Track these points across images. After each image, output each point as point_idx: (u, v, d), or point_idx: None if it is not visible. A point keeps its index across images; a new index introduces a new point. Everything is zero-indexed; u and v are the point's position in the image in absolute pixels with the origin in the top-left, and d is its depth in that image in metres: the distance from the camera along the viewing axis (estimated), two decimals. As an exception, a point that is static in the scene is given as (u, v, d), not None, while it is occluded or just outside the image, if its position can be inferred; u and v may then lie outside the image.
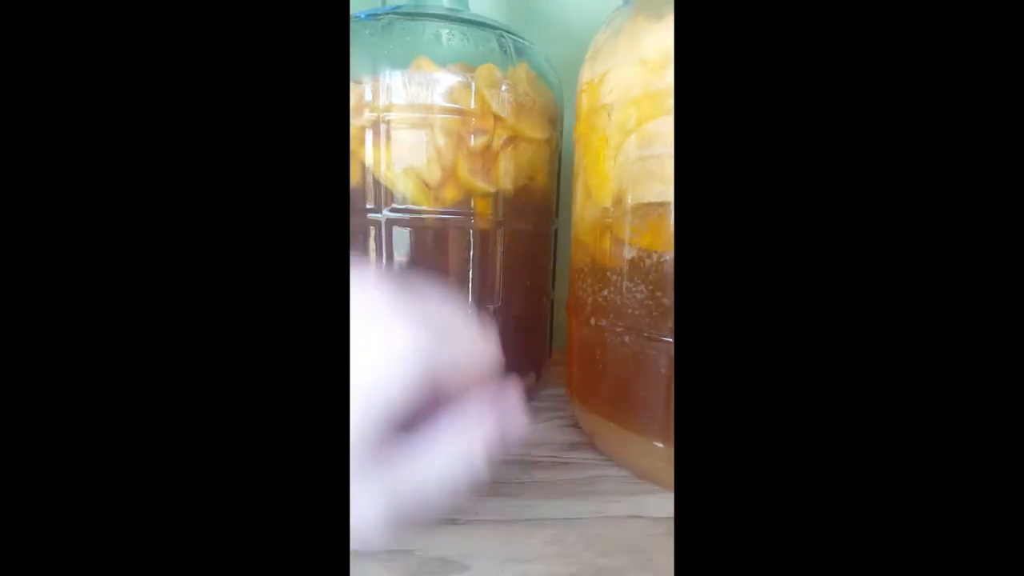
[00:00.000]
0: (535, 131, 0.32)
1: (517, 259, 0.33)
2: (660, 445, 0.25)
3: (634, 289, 0.25)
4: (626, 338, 0.26)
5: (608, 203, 0.26)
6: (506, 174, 0.31)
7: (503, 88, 0.30)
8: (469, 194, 0.30)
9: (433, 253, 0.31)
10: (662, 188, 0.23)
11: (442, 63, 0.29)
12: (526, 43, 0.33)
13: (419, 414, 0.16)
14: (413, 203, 0.30)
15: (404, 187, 0.29)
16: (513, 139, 0.31)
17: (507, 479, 0.27)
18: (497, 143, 0.30)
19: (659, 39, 0.23)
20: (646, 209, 0.24)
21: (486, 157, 0.30)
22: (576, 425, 0.34)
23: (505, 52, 0.31)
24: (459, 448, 0.16)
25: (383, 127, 0.29)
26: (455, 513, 0.23)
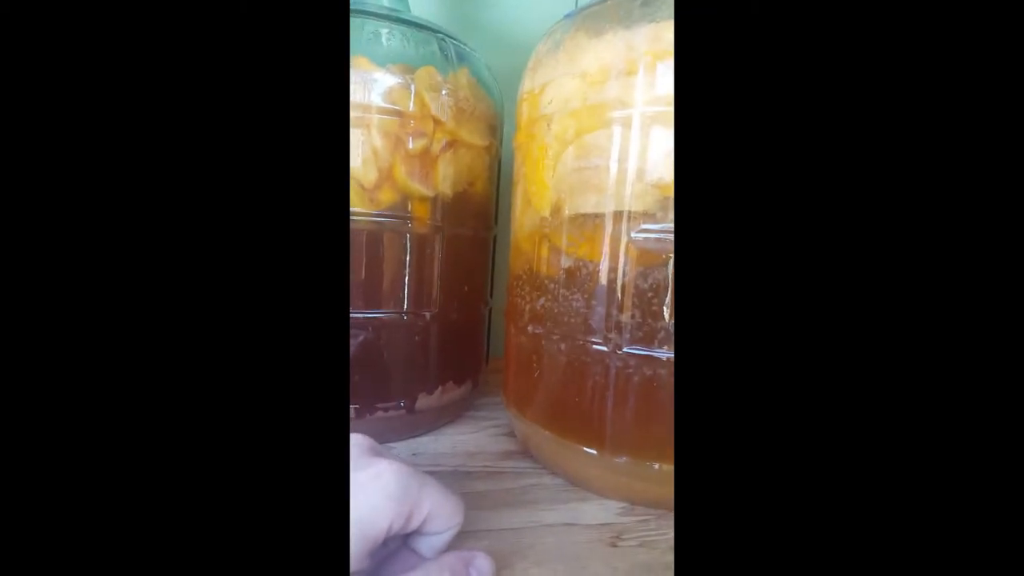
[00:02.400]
0: (475, 137, 0.32)
1: (455, 265, 0.32)
2: (593, 452, 0.25)
3: (571, 297, 0.25)
4: (562, 345, 0.26)
5: (546, 212, 0.26)
6: (445, 178, 0.30)
7: (443, 92, 0.30)
8: (406, 197, 0.29)
9: (367, 257, 0.29)
10: (598, 199, 0.24)
11: (380, 63, 0.28)
12: (467, 49, 0.33)
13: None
14: (346, 204, 0.28)
15: (337, 187, 0.28)
16: (453, 144, 0.30)
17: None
18: (436, 147, 0.30)
19: (598, 54, 0.23)
20: (583, 219, 0.25)
21: (424, 160, 0.30)
22: (511, 433, 0.34)
23: (446, 56, 0.31)
24: None
25: (315, 124, 0.28)
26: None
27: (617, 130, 0.23)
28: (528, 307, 0.28)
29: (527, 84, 0.28)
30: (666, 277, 0.22)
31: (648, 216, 0.22)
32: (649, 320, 0.23)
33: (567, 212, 0.25)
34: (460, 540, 0.22)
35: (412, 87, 0.29)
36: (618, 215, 0.23)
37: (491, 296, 0.38)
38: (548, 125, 0.26)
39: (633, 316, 0.23)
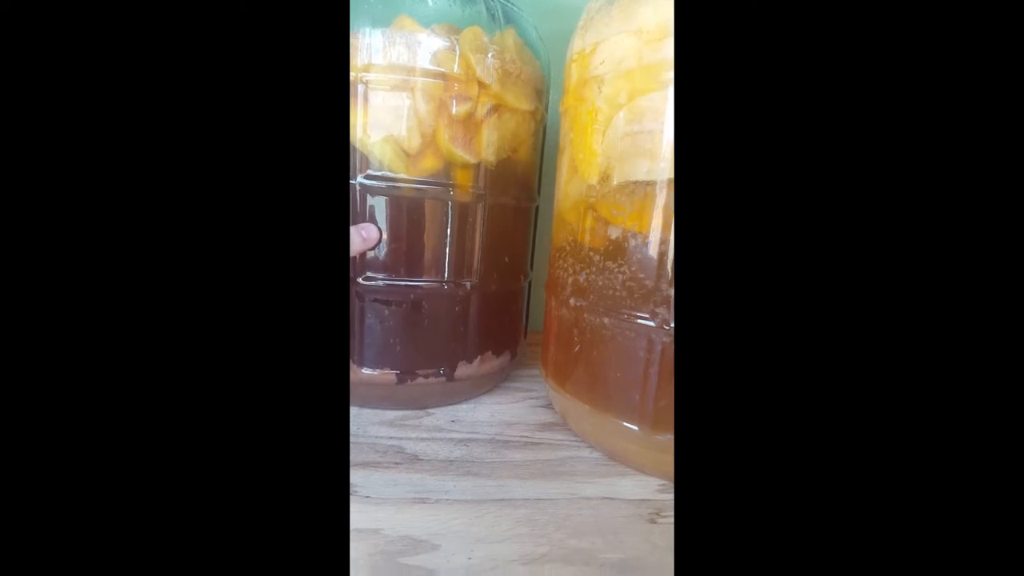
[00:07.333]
0: (520, 101, 0.31)
1: (496, 235, 0.32)
2: (634, 427, 0.25)
3: (616, 270, 0.25)
4: (605, 320, 0.25)
5: (594, 180, 0.25)
6: (488, 145, 0.30)
7: (489, 54, 0.29)
8: (449, 164, 0.29)
9: (409, 225, 0.29)
10: (651, 166, 0.22)
11: (426, 23, 0.28)
12: (515, 9, 0.32)
13: None
14: (390, 170, 0.28)
15: (381, 153, 0.28)
16: (497, 108, 0.30)
17: (479, 459, 0.26)
18: (481, 111, 0.29)
19: (656, 9, 0.22)
20: (633, 188, 0.23)
21: (468, 126, 0.29)
22: (549, 406, 0.34)
23: (493, 16, 0.30)
24: None
25: (361, 88, 0.27)
26: (425, 491, 0.23)
27: (674, 92, 0.21)
28: (570, 280, 0.28)
29: (577, 44, 0.27)
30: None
31: (704, 185, 0.21)
32: (700, 295, 0.22)
33: (616, 180, 0.24)
34: (497, 508, 0.22)
35: (457, 49, 0.28)
36: (671, 183, 0.22)
37: (531, 268, 0.38)
38: (599, 87, 0.24)
39: (682, 290, 0.22)
